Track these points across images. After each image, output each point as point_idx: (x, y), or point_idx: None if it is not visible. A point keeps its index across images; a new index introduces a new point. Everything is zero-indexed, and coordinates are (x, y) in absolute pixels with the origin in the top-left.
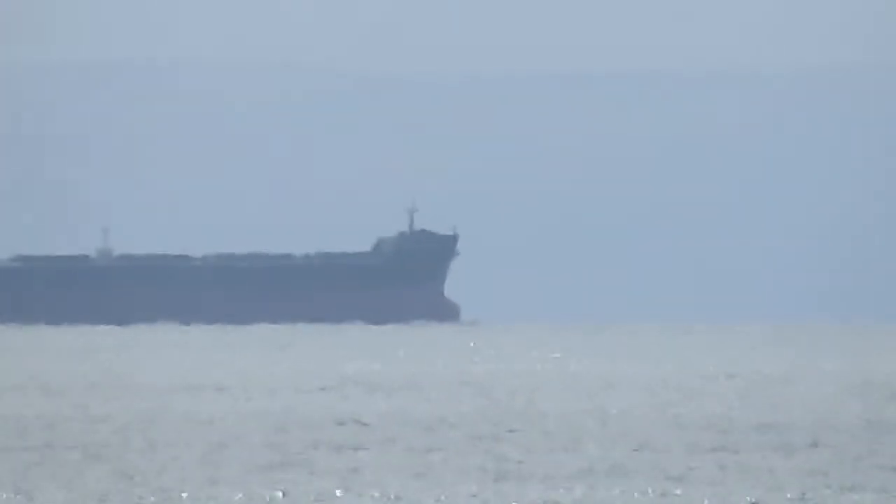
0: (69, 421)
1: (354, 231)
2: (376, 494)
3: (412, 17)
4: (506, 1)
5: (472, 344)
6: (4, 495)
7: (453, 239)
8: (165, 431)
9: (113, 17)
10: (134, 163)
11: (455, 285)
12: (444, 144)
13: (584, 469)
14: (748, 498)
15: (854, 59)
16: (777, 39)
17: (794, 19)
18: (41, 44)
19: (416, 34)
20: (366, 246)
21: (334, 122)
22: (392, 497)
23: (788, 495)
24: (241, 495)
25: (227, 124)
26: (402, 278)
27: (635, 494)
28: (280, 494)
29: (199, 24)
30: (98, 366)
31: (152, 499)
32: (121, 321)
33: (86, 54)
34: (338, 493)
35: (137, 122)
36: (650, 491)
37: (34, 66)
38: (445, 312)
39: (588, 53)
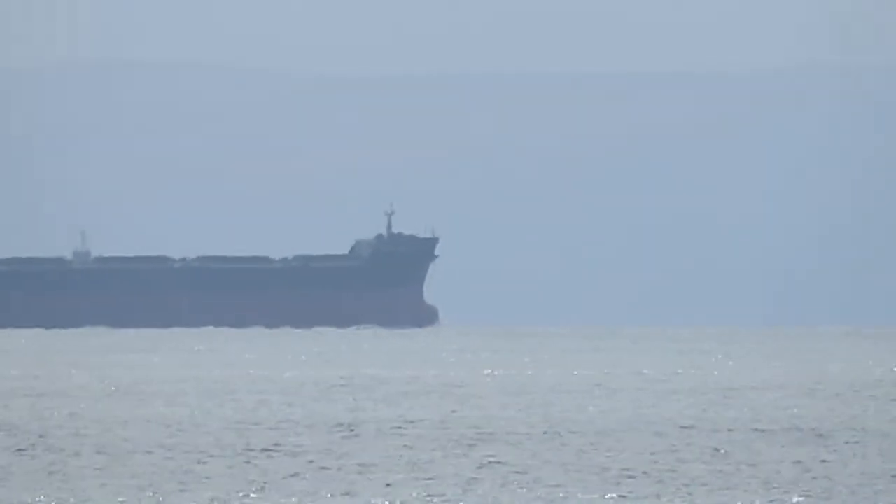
0: (56, 424)
1: (332, 234)
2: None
3: (390, 19)
4: (484, 3)
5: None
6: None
7: (432, 241)
8: (125, 435)
9: (92, 19)
10: (111, 165)
11: (434, 288)
12: (422, 146)
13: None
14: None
15: (832, 59)
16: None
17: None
18: (21, 47)
19: (394, 36)
20: (343, 249)
21: (311, 125)
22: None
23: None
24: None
25: (205, 128)
26: (379, 281)
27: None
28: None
29: (179, 27)
30: (76, 368)
31: (121, 498)
32: (98, 323)
33: (65, 56)
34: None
35: (114, 125)
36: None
37: (11, 69)
38: (424, 315)
39: (571, 54)
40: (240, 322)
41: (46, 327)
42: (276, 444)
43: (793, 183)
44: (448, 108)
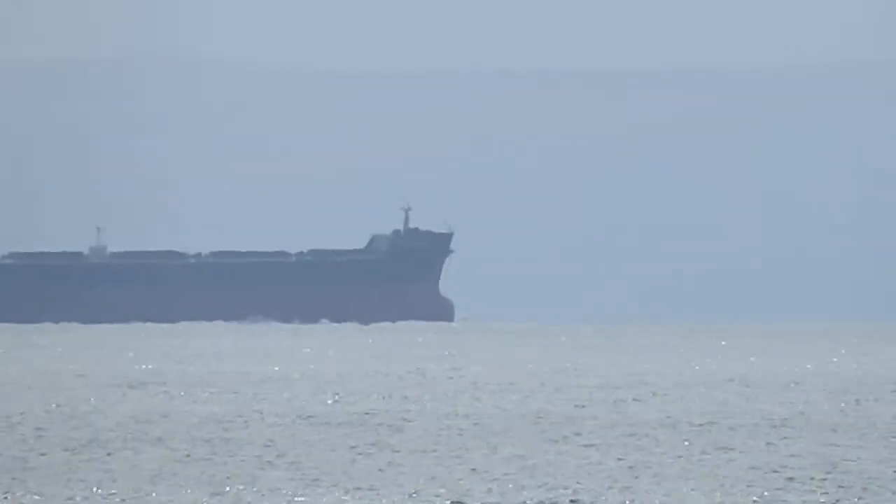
0: (70, 417)
1: (349, 228)
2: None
3: (410, 17)
4: (502, 1)
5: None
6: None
7: (448, 237)
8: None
9: (104, 15)
10: (128, 161)
11: (450, 283)
12: (439, 142)
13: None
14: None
15: (850, 58)
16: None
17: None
18: (35, 42)
19: (413, 33)
20: (360, 243)
21: (329, 120)
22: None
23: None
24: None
25: (222, 123)
26: (396, 276)
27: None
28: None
29: (193, 23)
30: (93, 362)
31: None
32: (114, 318)
33: (80, 52)
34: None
35: (131, 121)
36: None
37: (25, 64)
38: (440, 310)
39: (585, 51)
40: (254, 316)
41: (64, 321)
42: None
43: (796, 180)
44: (465, 105)
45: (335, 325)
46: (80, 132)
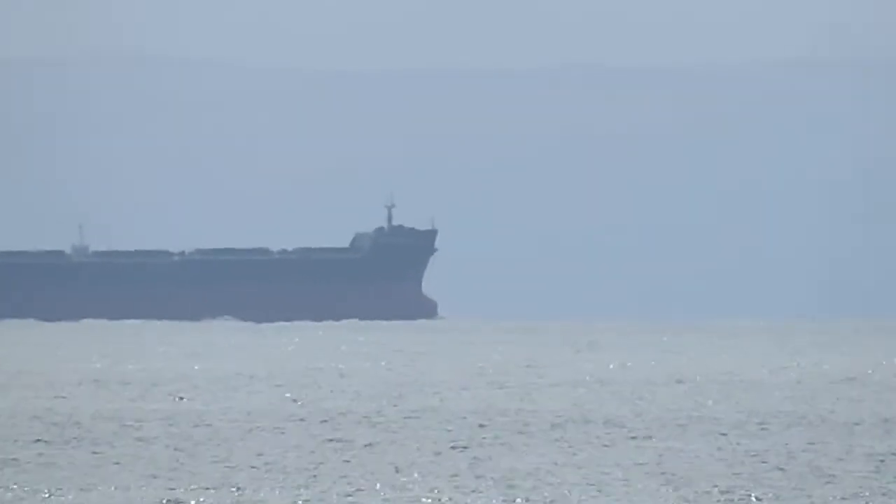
0: (62, 415)
1: (332, 226)
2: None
3: (389, 14)
4: None
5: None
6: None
7: (432, 234)
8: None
9: (85, 13)
10: (110, 159)
11: (434, 281)
12: (422, 139)
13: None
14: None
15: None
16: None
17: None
18: (19, 39)
19: (392, 30)
20: (343, 241)
21: (311, 118)
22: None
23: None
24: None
25: (204, 121)
26: (379, 274)
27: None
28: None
29: (178, 21)
30: (76, 360)
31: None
32: (97, 317)
33: (62, 50)
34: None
35: (113, 118)
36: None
37: (5, 62)
38: (423, 309)
39: (577, 47)
40: (237, 314)
41: (45, 320)
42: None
43: (794, 176)
44: (448, 101)
45: (314, 323)
46: (63, 130)
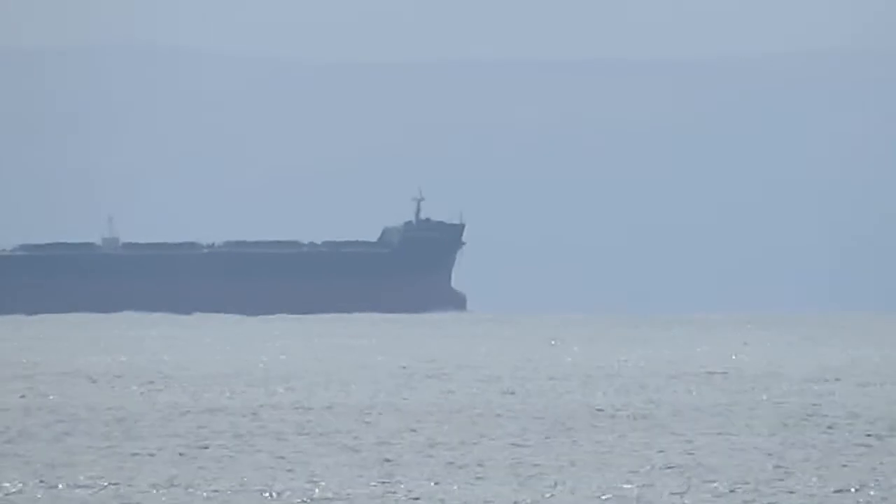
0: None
1: (361, 220)
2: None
3: (418, 5)
4: None
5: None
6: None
7: (460, 228)
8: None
9: (117, 1)
10: (139, 151)
11: (463, 275)
12: (450, 132)
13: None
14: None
15: (833, 45)
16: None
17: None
18: (45, 28)
19: (422, 21)
20: (372, 235)
21: (340, 111)
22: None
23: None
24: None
25: (233, 114)
26: (408, 267)
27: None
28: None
29: (206, 15)
30: (109, 354)
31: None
32: (126, 309)
33: (91, 38)
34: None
35: (143, 111)
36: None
37: (35, 53)
38: (452, 302)
39: (605, 41)
40: (266, 307)
41: (76, 312)
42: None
43: (792, 173)
44: (477, 94)
45: (342, 315)
46: (91, 120)
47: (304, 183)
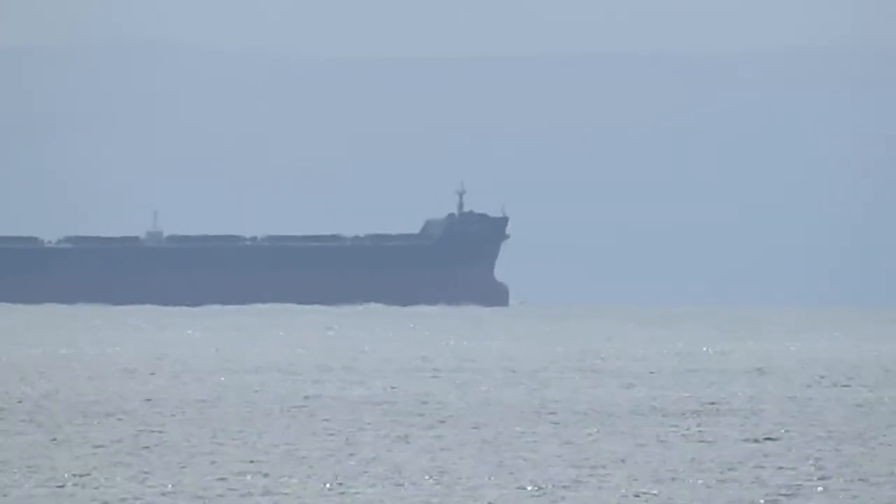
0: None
1: (403, 213)
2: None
3: (451, 2)
4: None
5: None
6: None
7: (503, 221)
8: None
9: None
10: (183, 145)
11: (506, 267)
12: (493, 125)
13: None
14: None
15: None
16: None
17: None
18: (87, 23)
19: (460, 16)
20: (415, 228)
21: (384, 105)
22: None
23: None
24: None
25: (277, 109)
26: (450, 260)
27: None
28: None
29: (249, 14)
30: (157, 346)
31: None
32: (169, 302)
33: (132, 34)
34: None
35: (187, 106)
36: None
37: (77, 47)
38: (495, 294)
39: (652, 34)
40: (309, 299)
41: (120, 304)
42: None
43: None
44: (519, 87)
45: (387, 307)
46: (135, 114)
47: (345, 176)
